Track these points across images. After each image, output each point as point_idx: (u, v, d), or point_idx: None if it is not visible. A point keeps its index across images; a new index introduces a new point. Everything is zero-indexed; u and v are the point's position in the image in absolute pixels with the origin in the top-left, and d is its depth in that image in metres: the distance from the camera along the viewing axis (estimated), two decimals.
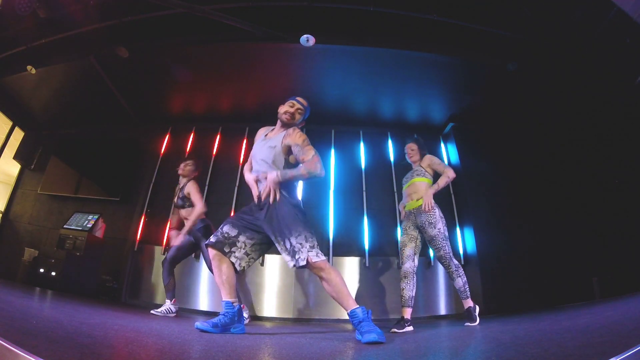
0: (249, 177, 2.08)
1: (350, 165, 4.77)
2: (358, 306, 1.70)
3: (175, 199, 3.25)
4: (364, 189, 4.57)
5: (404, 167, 4.50)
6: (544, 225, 4.21)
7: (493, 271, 3.94)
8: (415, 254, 2.63)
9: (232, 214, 4.22)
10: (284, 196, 1.92)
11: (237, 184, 4.55)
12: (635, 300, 2.56)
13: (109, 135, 5.29)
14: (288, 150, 1.98)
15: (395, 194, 4.50)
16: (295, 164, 1.99)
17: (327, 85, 4.42)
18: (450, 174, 2.67)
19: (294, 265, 1.77)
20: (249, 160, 2.22)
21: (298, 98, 2.13)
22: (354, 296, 1.78)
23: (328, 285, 1.77)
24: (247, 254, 1.95)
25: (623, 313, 2.00)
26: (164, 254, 4.16)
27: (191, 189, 3.14)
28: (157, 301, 3.98)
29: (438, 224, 2.59)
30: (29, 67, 4.17)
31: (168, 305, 3.00)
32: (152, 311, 2.97)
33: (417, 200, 2.70)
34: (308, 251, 1.76)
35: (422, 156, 2.87)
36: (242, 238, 1.93)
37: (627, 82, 3.44)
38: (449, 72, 4.16)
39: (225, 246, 1.91)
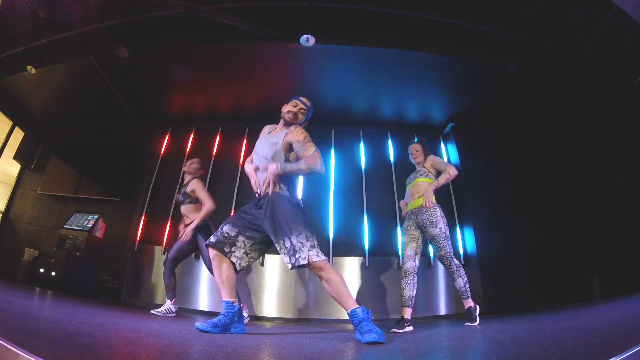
0: (249, 167, 2.10)
1: (350, 165, 4.77)
2: (358, 306, 1.70)
3: (178, 195, 3.28)
4: (364, 189, 4.57)
5: (404, 167, 4.53)
6: (544, 225, 4.20)
7: (493, 271, 3.95)
8: (416, 254, 2.63)
9: (232, 214, 4.22)
10: (284, 196, 1.92)
11: (237, 184, 4.55)
12: (635, 300, 2.56)
13: (109, 135, 5.29)
14: (289, 148, 1.99)
15: (395, 194, 4.50)
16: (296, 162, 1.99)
17: (327, 85, 4.42)
18: (451, 171, 2.68)
19: (294, 265, 1.77)
20: (251, 155, 2.23)
21: (302, 98, 2.14)
22: (354, 296, 1.78)
23: (328, 285, 1.77)
24: (246, 254, 1.95)
25: (623, 313, 1.99)
26: (164, 254, 4.17)
27: (196, 187, 3.16)
28: (157, 301, 3.98)
29: (439, 224, 2.59)
30: (29, 67, 4.18)
31: (168, 305, 3.00)
32: (152, 311, 2.98)
33: (419, 198, 2.71)
34: (309, 250, 1.76)
35: (426, 157, 2.88)
36: (241, 237, 1.94)
37: (627, 82, 3.44)
38: (449, 72, 4.16)
39: (225, 246, 1.91)
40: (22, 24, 3.70)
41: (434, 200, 2.65)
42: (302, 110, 2.11)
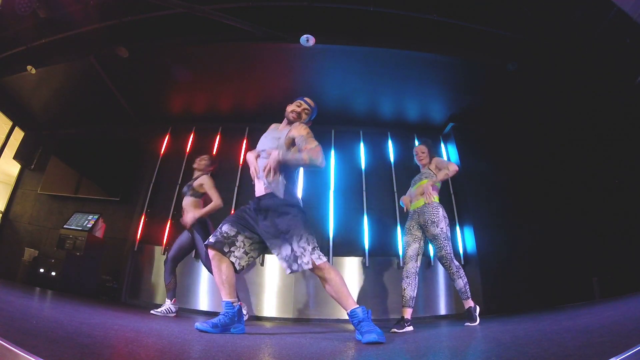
0: (250, 155, 2.11)
1: (350, 165, 4.77)
2: (358, 306, 1.70)
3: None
4: (364, 189, 4.57)
5: (404, 168, 4.54)
6: (544, 225, 4.21)
7: (493, 271, 3.95)
8: (418, 254, 2.63)
9: (231, 213, 4.21)
10: (281, 199, 1.91)
11: (237, 184, 4.54)
12: (635, 300, 2.56)
13: (109, 135, 5.30)
14: (291, 143, 2.01)
15: (395, 194, 4.50)
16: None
17: (327, 85, 4.42)
18: (450, 167, 2.69)
19: (296, 271, 1.77)
20: (255, 149, 2.24)
21: (306, 99, 2.18)
22: (354, 296, 1.78)
23: (328, 286, 1.78)
24: (246, 253, 1.96)
25: (623, 313, 2.00)
26: (164, 254, 4.17)
27: (206, 183, 3.15)
28: (157, 301, 3.98)
29: (441, 223, 2.59)
30: (29, 67, 4.18)
31: (168, 305, 3.00)
32: (152, 311, 2.97)
33: (421, 196, 2.71)
34: (311, 254, 1.77)
35: (431, 159, 2.89)
36: (241, 237, 1.94)
37: (627, 82, 3.44)
38: (449, 72, 4.16)
39: (224, 246, 1.91)
40: (22, 24, 3.70)
41: (437, 200, 2.66)
42: (305, 111, 2.15)
